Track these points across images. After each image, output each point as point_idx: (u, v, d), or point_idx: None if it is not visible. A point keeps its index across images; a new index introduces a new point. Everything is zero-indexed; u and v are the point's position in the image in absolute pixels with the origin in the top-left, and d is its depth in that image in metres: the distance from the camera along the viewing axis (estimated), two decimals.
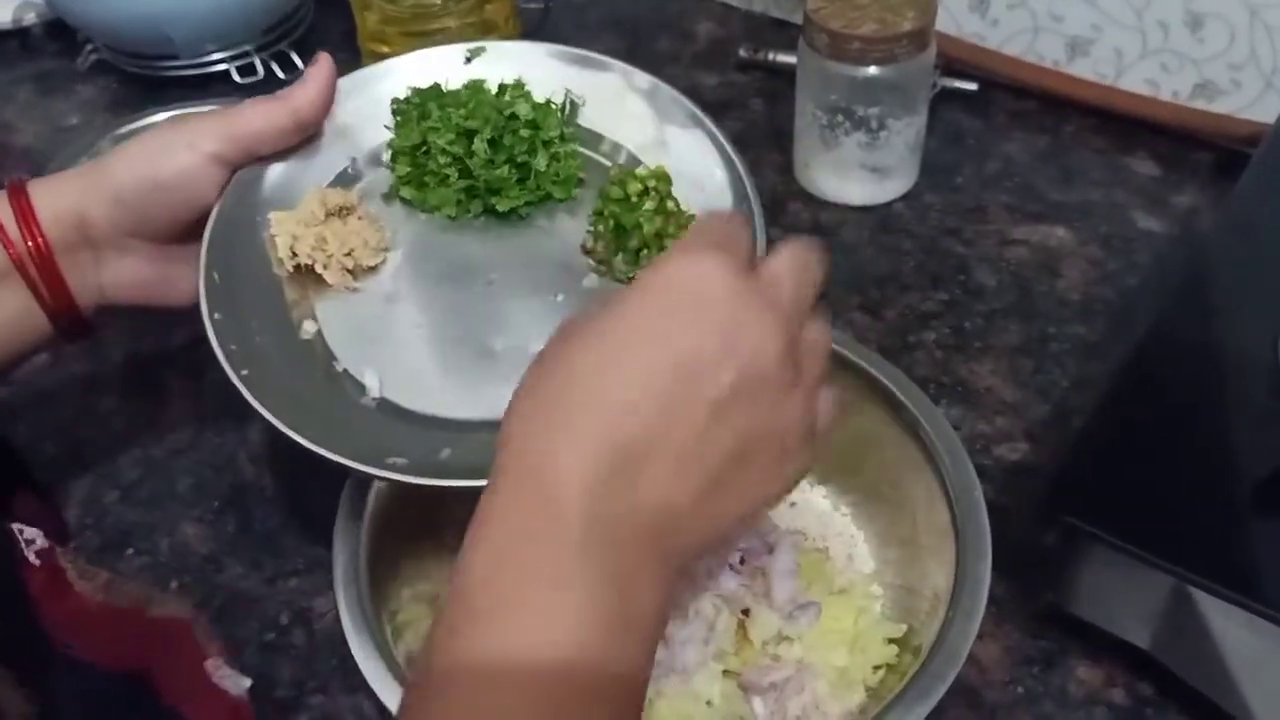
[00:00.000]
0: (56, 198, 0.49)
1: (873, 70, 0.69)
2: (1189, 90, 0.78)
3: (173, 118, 0.52)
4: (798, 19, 0.74)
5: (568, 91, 0.57)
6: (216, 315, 0.48)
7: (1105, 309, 0.67)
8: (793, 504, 0.56)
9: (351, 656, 0.44)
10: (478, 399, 0.48)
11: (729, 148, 0.54)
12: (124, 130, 0.77)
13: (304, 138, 0.53)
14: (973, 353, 0.65)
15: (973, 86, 0.82)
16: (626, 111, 0.57)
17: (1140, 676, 0.50)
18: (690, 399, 0.32)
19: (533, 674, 0.29)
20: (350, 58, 0.86)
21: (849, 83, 0.70)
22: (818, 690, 0.48)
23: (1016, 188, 0.76)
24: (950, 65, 0.82)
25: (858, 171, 0.74)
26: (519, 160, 0.54)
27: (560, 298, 0.51)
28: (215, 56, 0.87)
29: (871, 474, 0.54)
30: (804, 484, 0.57)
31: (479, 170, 0.53)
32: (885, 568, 0.53)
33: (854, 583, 0.52)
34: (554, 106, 0.56)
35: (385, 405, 0.48)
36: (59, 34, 0.95)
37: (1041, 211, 0.74)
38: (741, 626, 0.49)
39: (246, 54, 0.88)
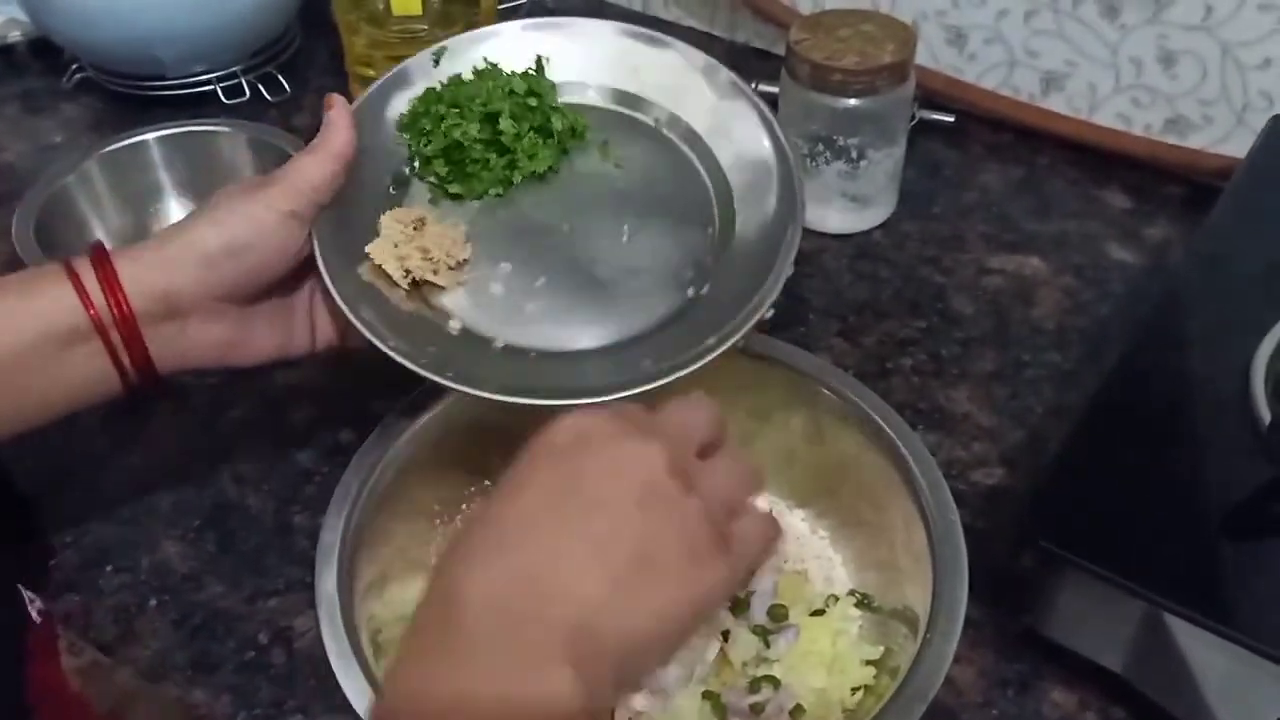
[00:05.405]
0: (141, 270, 0.50)
1: (853, 101, 0.70)
2: (1161, 125, 0.79)
3: (233, 187, 0.53)
4: (780, 50, 0.75)
5: (538, 56, 0.61)
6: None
7: (1079, 337, 0.69)
8: None
9: (331, 676, 0.44)
10: (605, 321, 0.54)
11: (768, 113, 0.60)
12: (109, 149, 0.77)
13: (347, 176, 0.54)
14: (949, 379, 0.66)
15: (950, 118, 0.84)
16: (683, 85, 0.61)
17: (1114, 700, 0.50)
18: (577, 517, 0.37)
19: None
20: (337, 81, 0.87)
21: (830, 113, 0.71)
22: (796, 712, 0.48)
23: (993, 218, 0.78)
24: (929, 97, 0.84)
25: (837, 200, 0.75)
26: (538, 125, 0.59)
27: (626, 226, 0.58)
28: (202, 77, 0.88)
29: (849, 497, 0.55)
30: (783, 507, 0.57)
31: (512, 143, 0.58)
32: (863, 590, 0.54)
33: (832, 605, 0.53)
34: (533, 74, 0.60)
35: (540, 355, 0.54)
36: (43, 52, 0.96)
37: (1017, 241, 0.76)
38: (721, 648, 0.50)
39: (234, 75, 0.88)
